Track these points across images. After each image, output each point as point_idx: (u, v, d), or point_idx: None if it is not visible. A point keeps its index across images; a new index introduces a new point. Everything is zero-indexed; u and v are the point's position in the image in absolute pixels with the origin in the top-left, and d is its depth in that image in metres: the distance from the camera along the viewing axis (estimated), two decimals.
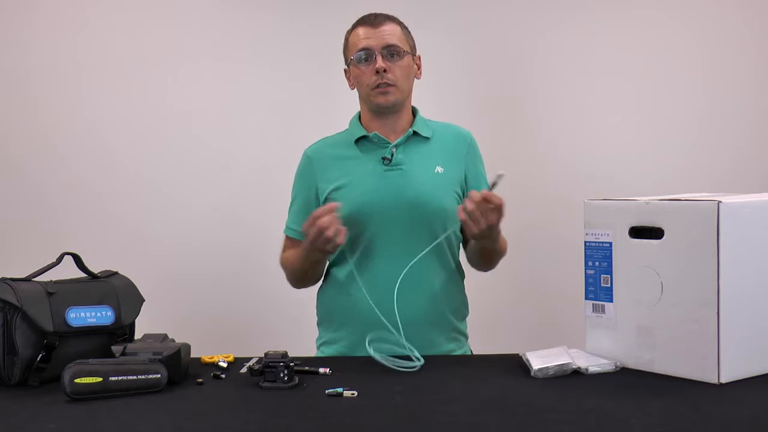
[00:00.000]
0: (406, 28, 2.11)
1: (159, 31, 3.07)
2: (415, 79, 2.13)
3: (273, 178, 2.83)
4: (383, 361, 1.79)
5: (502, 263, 2.18)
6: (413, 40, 2.12)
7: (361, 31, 2.06)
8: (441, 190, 2.06)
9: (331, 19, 2.98)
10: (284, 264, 2.14)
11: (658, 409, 1.49)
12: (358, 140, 2.10)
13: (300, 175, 2.16)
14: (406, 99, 2.09)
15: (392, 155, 2.06)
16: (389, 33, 2.04)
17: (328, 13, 3.02)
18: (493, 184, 1.85)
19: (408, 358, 1.83)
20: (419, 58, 2.13)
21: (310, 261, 2.01)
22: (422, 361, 1.81)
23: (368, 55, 2.03)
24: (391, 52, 2.03)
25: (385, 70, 2.02)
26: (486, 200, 1.82)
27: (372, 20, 2.06)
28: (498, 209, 1.83)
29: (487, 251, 2.07)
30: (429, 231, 2.00)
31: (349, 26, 2.12)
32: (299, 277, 2.12)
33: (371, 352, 1.81)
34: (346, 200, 2.03)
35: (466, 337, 2.15)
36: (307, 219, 2.08)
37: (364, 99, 2.10)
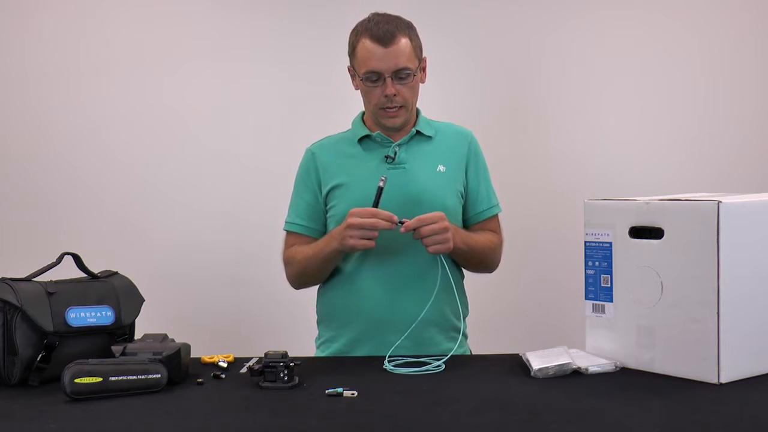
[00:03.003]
0: (414, 33, 2.04)
1: (159, 31, 3.07)
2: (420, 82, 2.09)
3: (273, 177, 2.83)
4: (404, 372, 1.79)
5: (503, 263, 2.18)
6: (421, 44, 2.06)
7: (370, 46, 1.98)
8: (443, 188, 2.06)
9: (331, 18, 2.99)
10: (292, 260, 2.09)
11: (658, 409, 1.49)
12: (361, 139, 2.10)
13: (303, 171, 2.15)
14: (413, 113, 2.09)
15: (395, 154, 2.06)
16: (400, 53, 1.98)
17: (330, 13, 3.02)
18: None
19: (422, 363, 1.83)
20: (425, 60, 2.08)
21: (328, 253, 1.97)
22: (443, 367, 1.82)
23: (378, 77, 2.00)
24: (400, 75, 1.99)
25: (395, 95, 2.00)
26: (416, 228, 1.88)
27: (382, 36, 1.97)
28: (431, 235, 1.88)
29: (459, 258, 2.07)
30: None
31: (351, 27, 2.06)
32: (309, 273, 2.07)
33: (388, 367, 1.82)
34: (348, 198, 2.04)
35: (465, 336, 2.15)
36: (310, 214, 2.09)
37: (370, 113, 2.09)
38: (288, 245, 2.13)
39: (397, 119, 2.05)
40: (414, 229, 1.89)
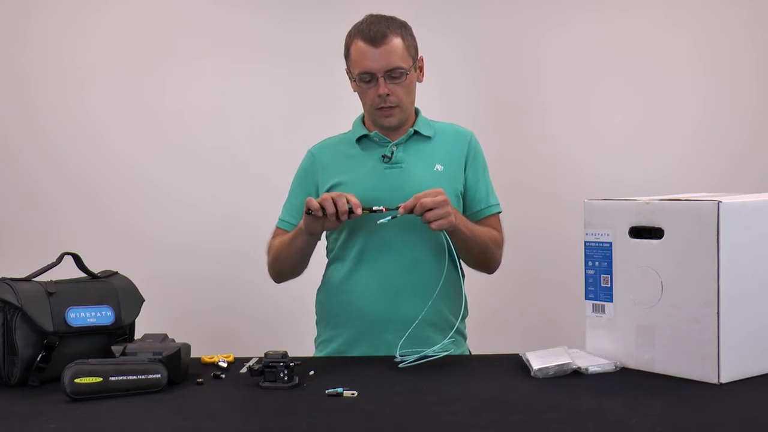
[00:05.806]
0: (408, 33, 2.05)
1: (159, 31, 3.07)
2: (417, 82, 2.11)
3: (273, 178, 2.82)
4: (414, 361, 1.82)
5: (503, 263, 2.17)
6: (415, 43, 2.07)
7: (362, 47, 2.00)
8: (441, 188, 2.05)
9: (332, 18, 2.98)
10: (270, 247, 2.11)
11: (658, 409, 1.49)
12: (359, 139, 2.11)
13: (302, 171, 2.17)
14: (409, 113, 2.10)
15: (392, 153, 2.07)
16: (391, 53, 1.99)
17: (330, 12, 3.02)
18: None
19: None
20: (421, 59, 2.10)
21: (302, 240, 1.97)
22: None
23: (371, 77, 2.01)
24: (393, 75, 2.00)
25: (388, 94, 2.01)
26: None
27: (373, 37, 1.99)
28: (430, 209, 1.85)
29: (460, 245, 2.04)
30: (427, 228, 1.99)
31: (350, 26, 2.07)
32: (286, 262, 2.06)
33: (399, 357, 1.84)
34: None
35: (464, 337, 2.15)
36: (302, 215, 2.09)
37: (367, 113, 2.11)
38: (273, 237, 2.14)
39: (392, 118, 2.05)
40: (412, 211, 1.86)
